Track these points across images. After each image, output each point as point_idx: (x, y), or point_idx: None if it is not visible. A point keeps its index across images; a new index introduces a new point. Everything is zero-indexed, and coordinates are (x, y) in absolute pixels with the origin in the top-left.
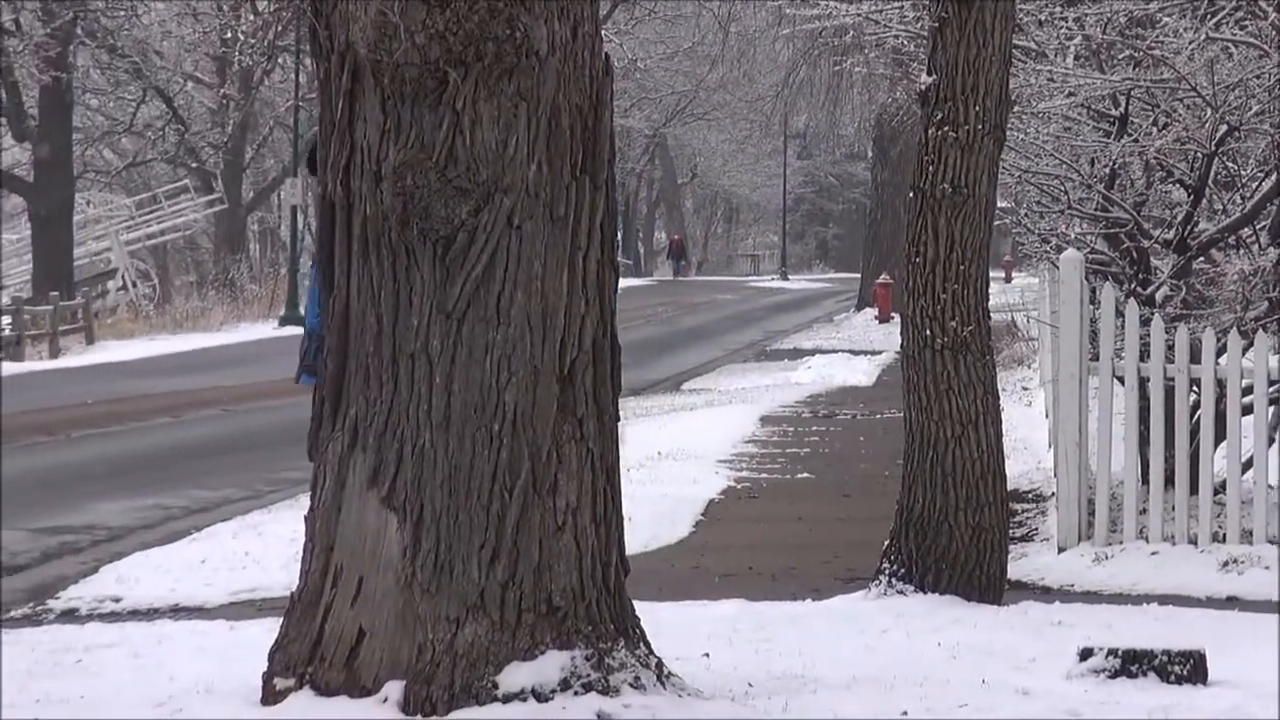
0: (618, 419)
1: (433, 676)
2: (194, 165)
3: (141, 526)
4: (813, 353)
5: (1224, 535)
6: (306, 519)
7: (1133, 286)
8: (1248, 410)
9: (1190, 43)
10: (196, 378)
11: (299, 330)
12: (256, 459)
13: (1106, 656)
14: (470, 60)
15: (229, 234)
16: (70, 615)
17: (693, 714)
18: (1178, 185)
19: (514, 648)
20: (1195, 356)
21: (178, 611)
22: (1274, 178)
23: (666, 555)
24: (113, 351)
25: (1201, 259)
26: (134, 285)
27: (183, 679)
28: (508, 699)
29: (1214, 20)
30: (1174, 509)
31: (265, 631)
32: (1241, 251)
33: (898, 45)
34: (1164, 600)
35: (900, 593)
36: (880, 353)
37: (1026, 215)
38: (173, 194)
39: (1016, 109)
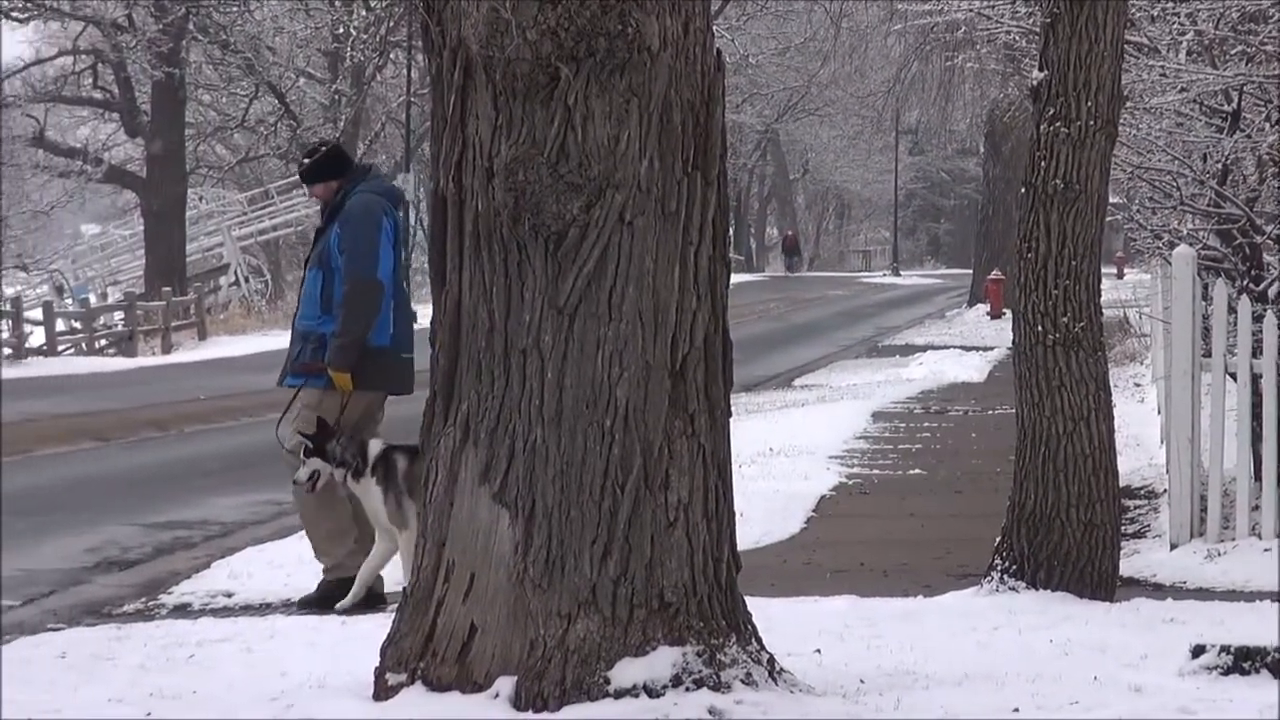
0: (729, 414)
1: (544, 672)
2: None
3: (254, 521)
4: (924, 349)
5: None
6: (419, 514)
7: (1245, 283)
8: None
9: None
10: None
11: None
12: None
13: (1219, 654)
14: (582, 56)
15: None
16: (183, 610)
17: (804, 710)
18: None
19: (625, 644)
20: None
21: (290, 606)
22: None
23: (778, 551)
24: (224, 347)
25: None
26: (246, 281)
27: (295, 674)
28: (619, 695)
29: None
30: None
31: (377, 627)
32: None
33: (1009, 41)
34: (1277, 597)
35: (1012, 589)
36: (992, 349)
37: (1139, 211)
38: (285, 189)
39: (1128, 104)
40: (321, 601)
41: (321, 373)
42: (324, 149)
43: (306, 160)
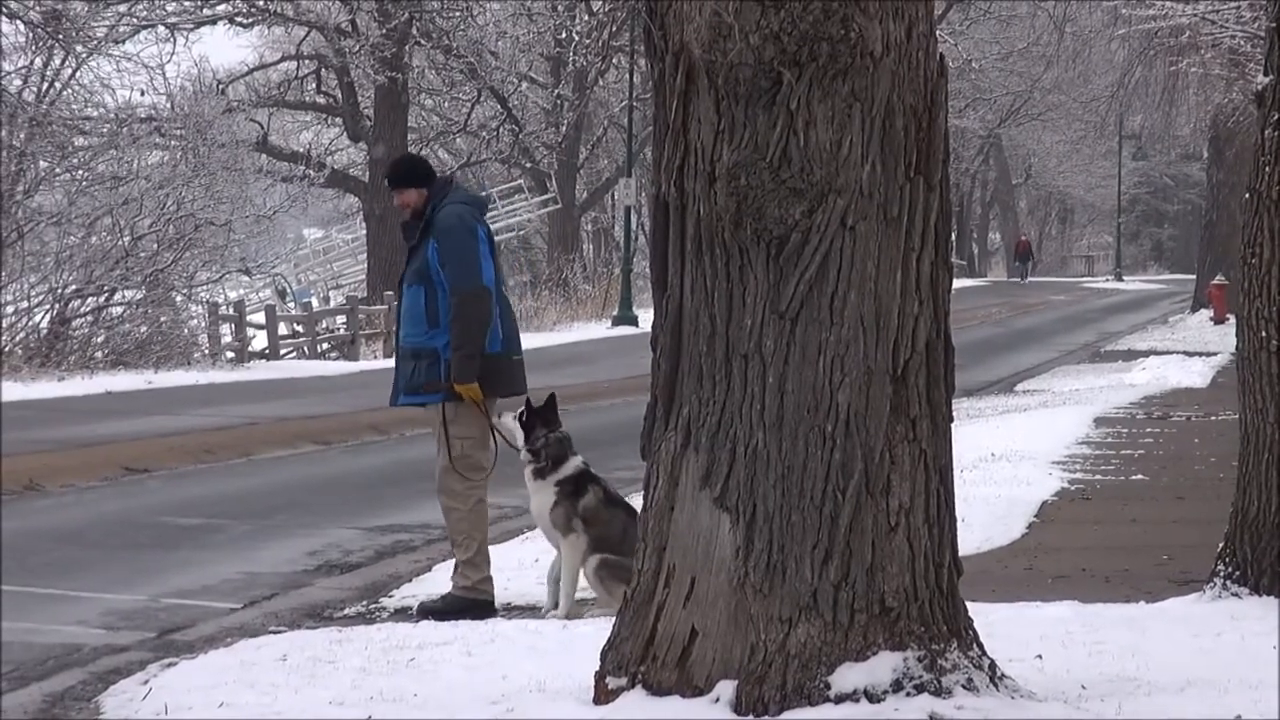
0: (951, 420)
1: (765, 677)
2: (528, 165)
3: None
4: (1147, 354)
5: None
6: (639, 519)
7: None
8: None
9: None
10: (530, 377)
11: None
12: (589, 457)
13: None
14: (804, 60)
15: (562, 234)
16: (404, 613)
17: (1025, 715)
18: None
19: (846, 648)
20: None
21: (510, 610)
22: None
23: (1000, 556)
24: None
25: None
26: None
27: (515, 678)
28: (840, 699)
29: None
30: None
31: (597, 630)
32: None
33: (1234, 45)
34: None
35: (1235, 595)
36: (1215, 354)
37: None
38: (507, 194)
39: None
40: (447, 612)
41: (442, 390)
42: (405, 156)
43: (395, 165)
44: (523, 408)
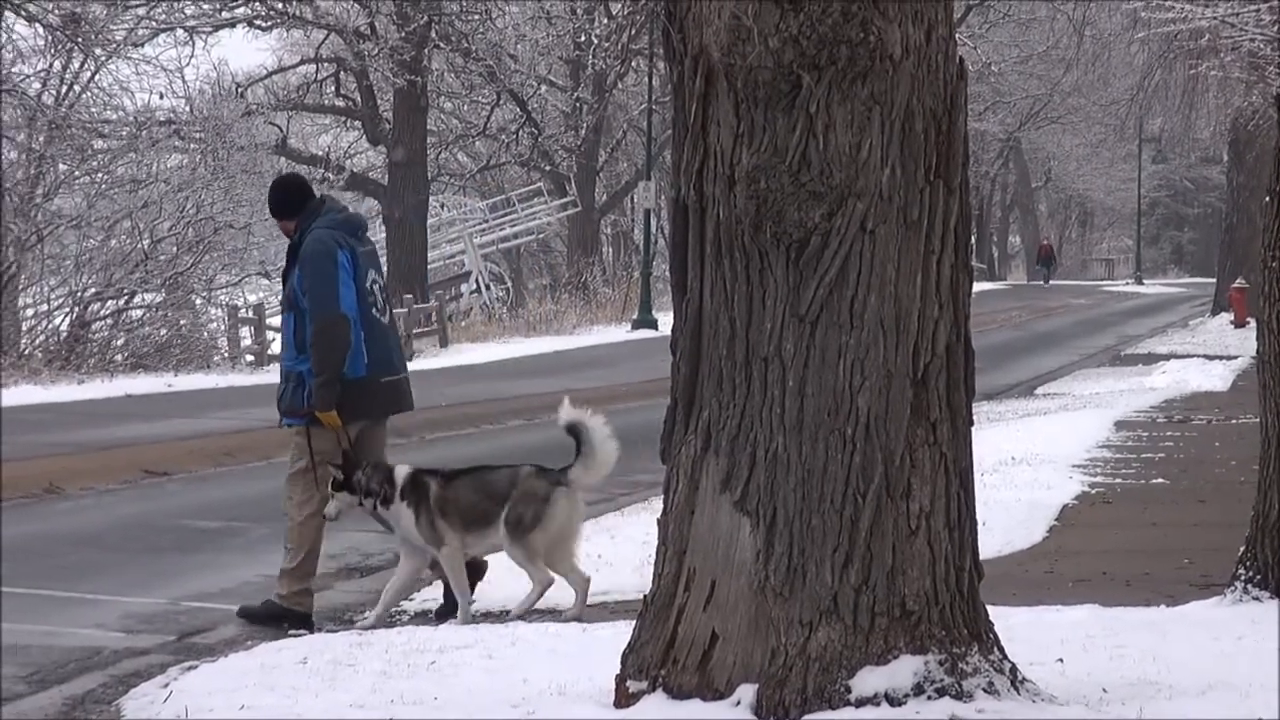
0: (971, 423)
1: (785, 680)
2: (547, 168)
3: None
4: (1167, 357)
5: None
6: (659, 522)
7: None
8: None
9: None
10: (549, 381)
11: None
12: None
13: None
14: (824, 64)
15: (582, 237)
16: (424, 617)
17: (1046, 719)
18: None
19: (867, 652)
20: None
21: (530, 613)
22: None
23: (1020, 560)
24: (466, 354)
25: None
26: (487, 288)
27: (536, 681)
28: (860, 703)
29: None
30: None
31: (617, 634)
32: None
33: (1254, 49)
34: None
35: (1256, 599)
36: (1236, 358)
37: None
38: (526, 197)
39: None
40: (262, 617)
41: (305, 414)
42: (275, 184)
43: (269, 196)
44: (336, 474)
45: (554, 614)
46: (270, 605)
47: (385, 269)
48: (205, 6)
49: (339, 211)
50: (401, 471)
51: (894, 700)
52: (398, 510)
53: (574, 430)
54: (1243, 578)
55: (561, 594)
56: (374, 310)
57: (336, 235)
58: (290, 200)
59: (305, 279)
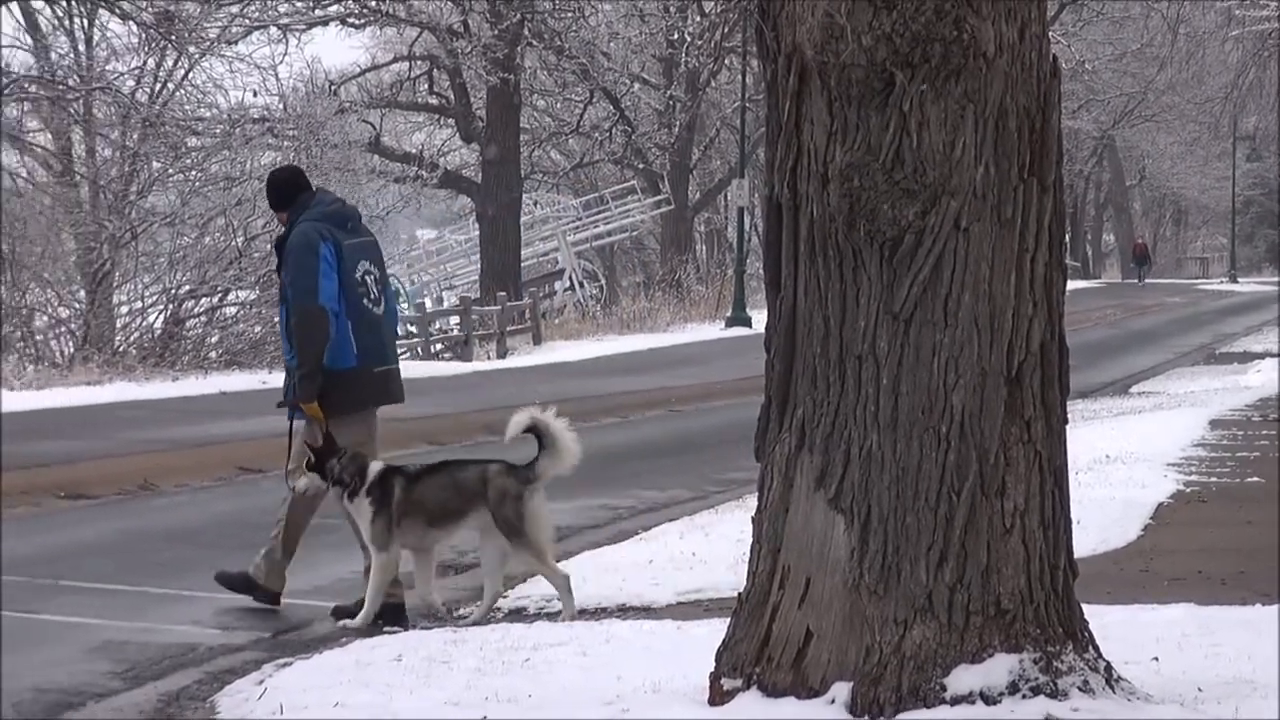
0: (1065, 421)
1: (880, 678)
2: (640, 166)
3: (589, 526)
4: (1262, 356)
5: None
6: (754, 520)
7: None
8: None
9: None
10: (643, 378)
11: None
12: (703, 459)
13: None
14: (917, 62)
15: (675, 235)
16: (518, 614)
17: (1141, 717)
18: None
19: (961, 650)
20: None
21: (625, 611)
22: None
23: (1115, 558)
24: (559, 352)
25: None
26: (581, 286)
27: (630, 678)
28: (955, 701)
29: None
30: None
31: (712, 631)
32: None
33: None
34: None
35: None
36: None
37: None
38: (619, 195)
39: None
40: (231, 582)
41: (293, 405)
42: (269, 178)
43: (266, 188)
44: (308, 455)
45: (648, 611)
46: (245, 578)
47: (479, 267)
48: (299, 4)
49: (329, 204)
50: (374, 467)
51: (989, 699)
52: (360, 504)
53: (534, 429)
54: None
55: (656, 592)
56: (365, 301)
57: (321, 228)
58: (282, 193)
59: (287, 271)
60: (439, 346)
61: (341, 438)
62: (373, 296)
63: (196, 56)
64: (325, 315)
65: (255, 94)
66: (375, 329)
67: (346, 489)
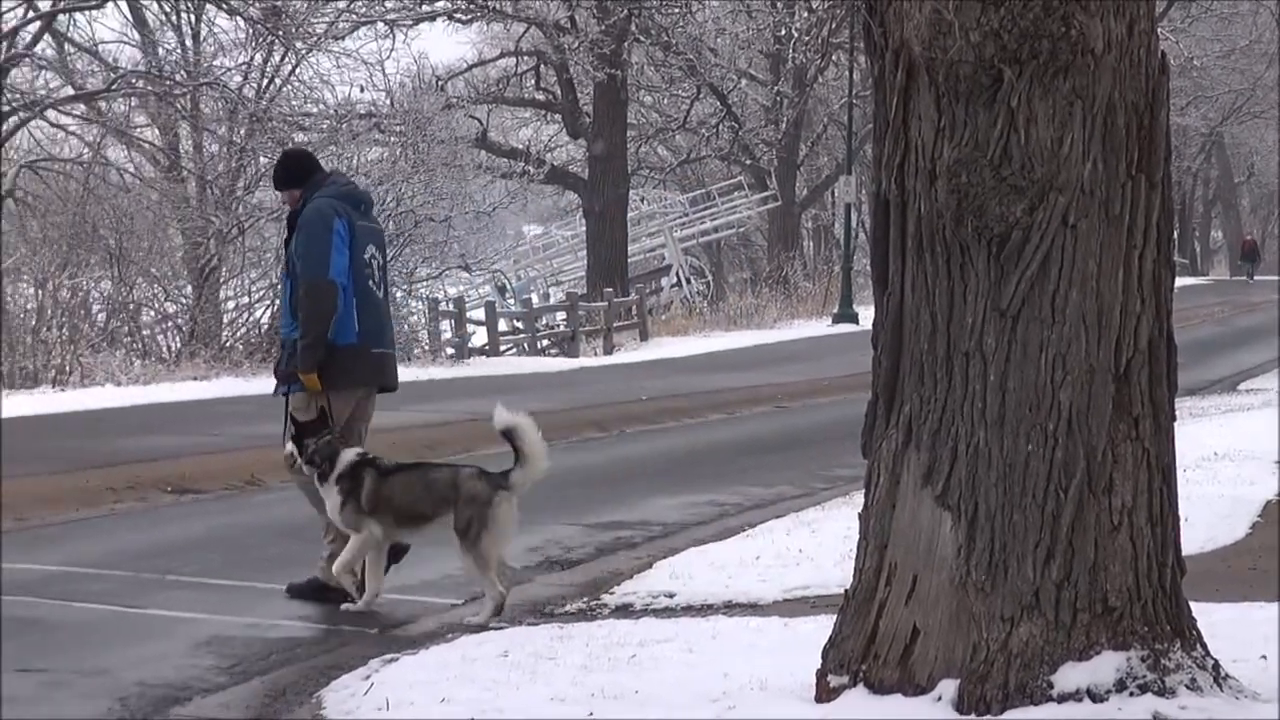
0: (1173, 418)
1: (987, 676)
2: (748, 162)
3: (695, 522)
4: None
5: None
6: (860, 516)
7: None
8: None
9: None
10: (749, 375)
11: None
12: (809, 455)
13: None
14: (1025, 58)
15: (782, 231)
16: (625, 610)
17: (1250, 716)
18: None
19: (1069, 648)
20: None
21: (731, 607)
22: None
23: (1223, 556)
24: (666, 348)
25: None
26: (688, 282)
27: (737, 675)
28: (1062, 699)
29: None
30: None
31: (818, 628)
32: None
33: None
34: None
35: None
36: None
37: None
38: (726, 191)
39: None
40: (303, 592)
41: (297, 378)
42: (282, 157)
43: (275, 169)
44: (292, 428)
45: (755, 608)
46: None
47: (586, 263)
48: (405, 0)
49: (344, 184)
50: (346, 456)
51: (1096, 696)
52: (329, 489)
53: (509, 434)
54: None
55: (762, 588)
56: (370, 283)
57: (336, 205)
58: (296, 172)
59: (299, 244)
60: (545, 342)
61: (340, 413)
62: (376, 280)
63: (303, 52)
64: (334, 288)
65: (362, 89)
66: (377, 312)
67: (317, 470)
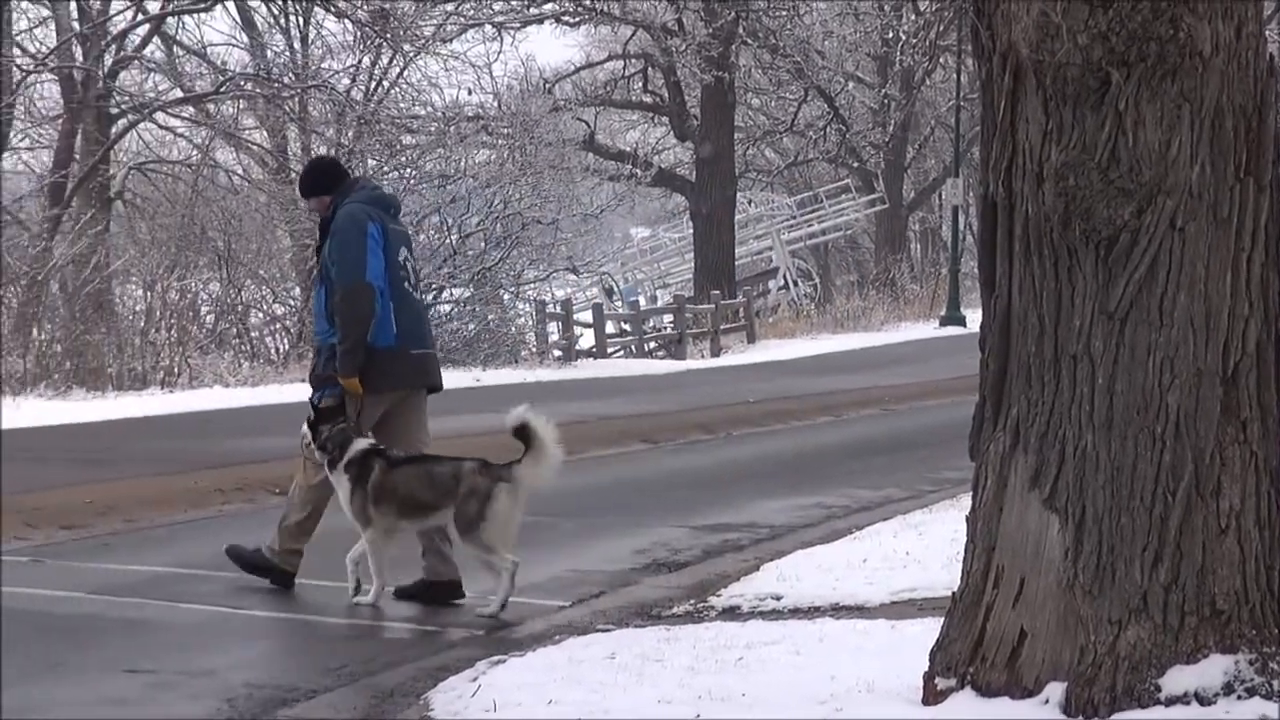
0: None
1: (1094, 679)
2: (855, 165)
3: (802, 525)
4: None
5: None
6: (968, 519)
7: None
8: None
9: None
10: (856, 377)
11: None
12: (917, 458)
13: None
14: (1133, 60)
15: (890, 233)
16: (731, 613)
17: None
18: None
19: (1176, 651)
20: None
21: (838, 610)
22: None
23: None
24: (773, 350)
25: None
26: (795, 284)
27: (843, 677)
28: (1170, 702)
29: None
30: None
31: (925, 631)
32: None
33: None
34: None
35: None
36: None
37: None
38: (833, 193)
39: None
40: (249, 565)
41: (333, 381)
42: (311, 164)
43: (301, 178)
44: (310, 413)
45: (862, 610)
46: (259, 556)
47: (693, 265)
48: (513, 2)
49: (374, 190)
50: (358, 445)
51: (1204, 700)
52: (339, 478)
53: (521, 431)
54: None
55: (869, 591)
56: (405, 284)
57: (369, 210)
58: (325, 179)
59: (333, 249)
60: (653, 345)
61: (371, 415)
62: (412, 281)
63: (411, 54)
64: (372, 291)
65: (470, 92)
66: (414, 312)
67: (329, 457)
